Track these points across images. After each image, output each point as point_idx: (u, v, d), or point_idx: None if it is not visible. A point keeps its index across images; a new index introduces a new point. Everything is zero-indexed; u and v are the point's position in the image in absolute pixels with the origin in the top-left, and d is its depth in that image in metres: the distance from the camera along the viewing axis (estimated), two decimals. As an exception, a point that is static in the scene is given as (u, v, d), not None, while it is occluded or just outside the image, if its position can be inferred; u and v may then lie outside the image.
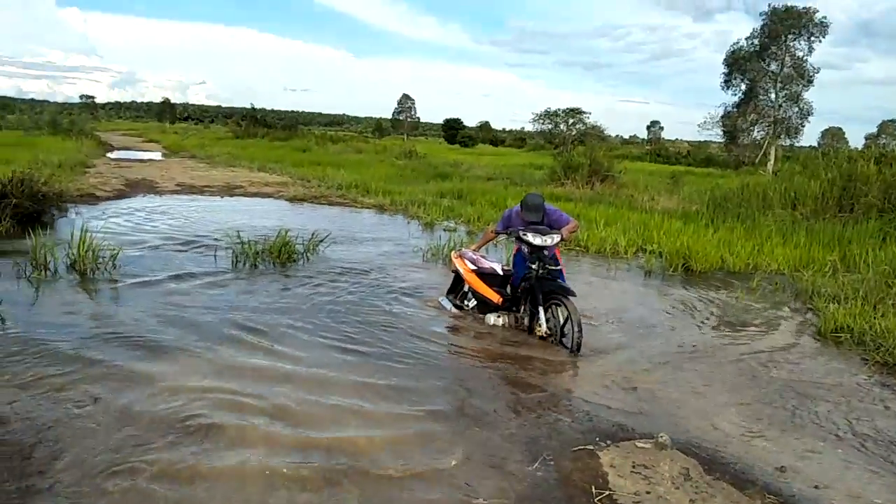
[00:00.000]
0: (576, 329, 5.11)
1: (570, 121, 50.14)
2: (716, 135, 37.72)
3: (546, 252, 5.48)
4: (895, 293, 6.87)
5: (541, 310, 5.41)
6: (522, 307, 5.78)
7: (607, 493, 3.15)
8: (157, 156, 28.19)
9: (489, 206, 13.83)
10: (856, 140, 68.58)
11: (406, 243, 9.79)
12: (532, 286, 5.51)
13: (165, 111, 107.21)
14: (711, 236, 10.41)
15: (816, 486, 3.35)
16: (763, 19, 33.54)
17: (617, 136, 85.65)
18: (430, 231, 11.19)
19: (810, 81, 33.47)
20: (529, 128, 55.92)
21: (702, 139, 44.65)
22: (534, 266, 5.44)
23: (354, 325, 5.57)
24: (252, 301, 6.16)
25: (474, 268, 6.05)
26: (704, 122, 37.68)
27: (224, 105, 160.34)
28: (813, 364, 5.35)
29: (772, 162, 30.89)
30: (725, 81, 35.44)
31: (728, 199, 14.38)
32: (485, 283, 5.93)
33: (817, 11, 32.50)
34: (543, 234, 5.48)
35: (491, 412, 4.02)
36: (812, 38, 32.92)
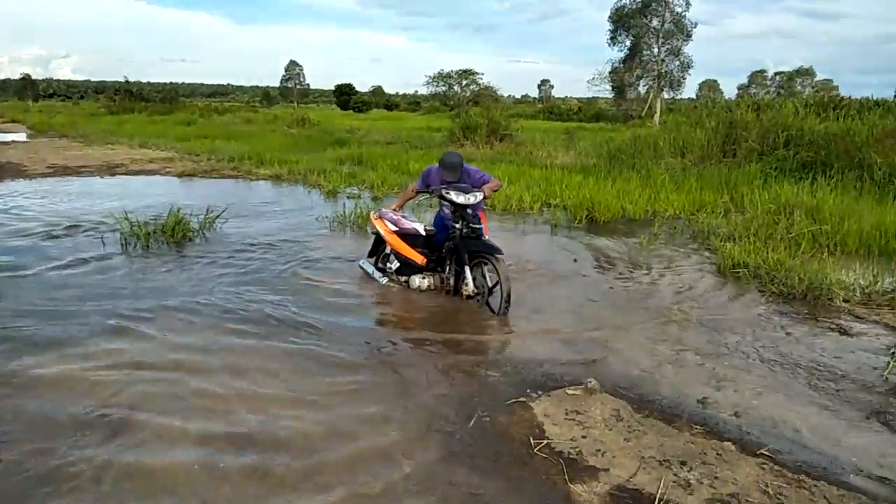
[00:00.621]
0: (504, 289, 4.97)
1: (464, 82, 50.44)
2: (604, 90, 39.17)
3: (469, 210, 5.26)
4: (781, 228, 7.33)
5: (466, 269, 5.25)
6: (447, 267, 5.60)
7: (545, 441, 3.15)
8: (21, 137, 25.64)
9: (391, 171, 13.61)
10: (730, 91, 73.32)
11: (310, 213, 9.43)
12: (456, 245, 5.33)
13: (26, 88, 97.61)
14: (611, 187, 10.71)
15: (736, 414, 3.51)
16: (642, -24, 34.66)
17: (510, 95, 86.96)
18: (334, 199, 10.84)
19: (689, 36, 35.23)
20: (423, 91, 55.73)
21: (591, 95, 46.09)
22: (457, 225, 5.26)
23: (265, 302, 5.28)
24: (149, 285, 5.72)
25: (395, 229, 5.79)
26: (593, 78, 39.13)
27: (94, 79, 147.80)
28: (717, 299, 5.63)
29: (657, 114, 32.34)
30: (611, 38, 36.65)
31: (622, 150, 14.87)
32: (407, 244, 5.70)
33: (692, -32, 34.02)
34: (466, 192, 5.25)
35: (420, 375, 3.92)
36: (689, -5, 34.41)
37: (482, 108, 26.09)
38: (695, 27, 34.97)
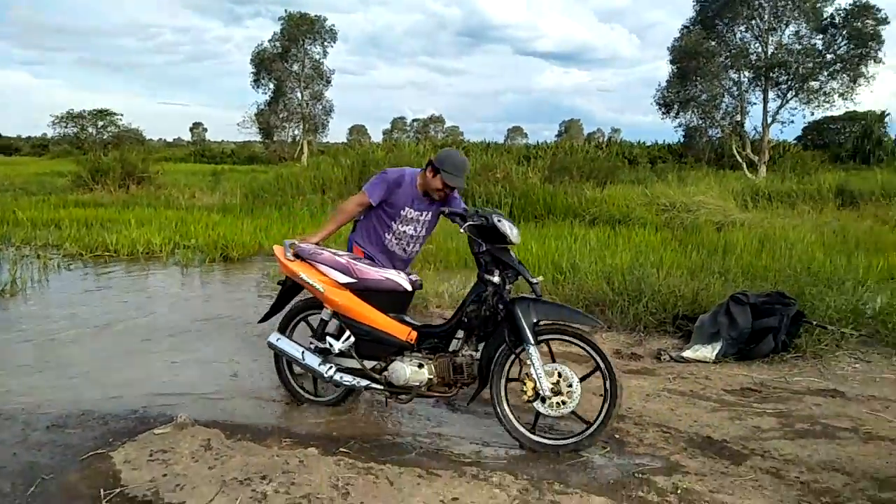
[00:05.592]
0: (610, 389, 3.08)
1: (100, 123, 45.71)
2: (254, 133, 39.18)
3: (512, 255, 3.29)
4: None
5: (533, 352, 3.11)
6: (461, 344, 3.38)
7: (118, 490, 2.89)
8: None
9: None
10: (376, 135, 80.00)
11: None
12: (508, 310, 3.20)
13: None
14: (249, 225, 10.73)
15: (327, 422, 3.71)
16: (282, 23, 36.05)
17: (160, 138, 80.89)
18: None
19: (329, 82, 37.61)
20: (51, 133, 48.80)
21: (243, 138, 45.74)
22: (495, 279, 3.23)
23: None
24: None
25: (349, 280, 3.43)
26: (242, 121, 38.76)
27: None
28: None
29: (305, 155, 33.59)
30: (255, 81, 37.07)
31: (265, 189, 15.14)
32: (378, 309, 3.45)
33: (327, 20, 36.58)
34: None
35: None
36: (325, 43, 36.90)
37: (119, 150, 23.98)
38: (333, 74, 37.57)
